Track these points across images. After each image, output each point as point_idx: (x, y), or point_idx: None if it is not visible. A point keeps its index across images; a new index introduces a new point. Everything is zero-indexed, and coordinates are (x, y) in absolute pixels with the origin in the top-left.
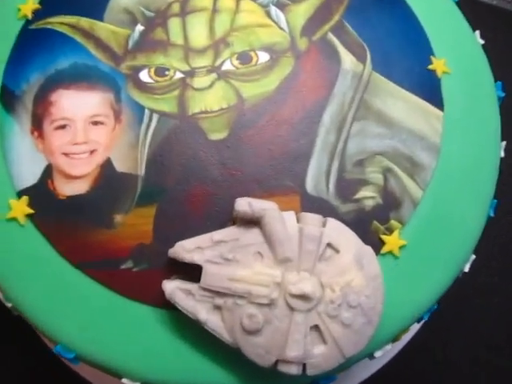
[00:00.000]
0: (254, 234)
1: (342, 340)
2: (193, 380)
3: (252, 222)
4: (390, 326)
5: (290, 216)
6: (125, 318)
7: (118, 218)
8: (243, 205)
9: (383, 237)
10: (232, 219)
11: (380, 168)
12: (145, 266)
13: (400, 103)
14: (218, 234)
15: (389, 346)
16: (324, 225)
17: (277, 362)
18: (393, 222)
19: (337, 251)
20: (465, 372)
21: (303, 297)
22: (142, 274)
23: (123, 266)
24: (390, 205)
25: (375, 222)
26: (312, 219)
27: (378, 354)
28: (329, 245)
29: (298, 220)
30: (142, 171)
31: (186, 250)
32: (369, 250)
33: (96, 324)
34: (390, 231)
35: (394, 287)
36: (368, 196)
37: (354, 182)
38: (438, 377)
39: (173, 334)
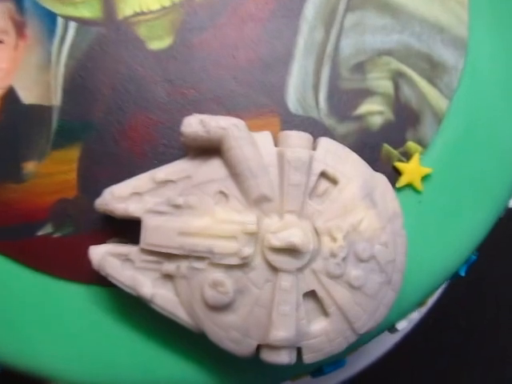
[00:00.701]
0: (212, 167)
1: (352, 309)
2: (143, 381)
3: (209, 149)
4: (417, 285)
5: (263, 137)
6: (45, 301)
7: (29, 166)
8: (193, 124)
9: (398, 165)
10: (185, 150)
11: (388, 72)
12: (69, 231)
13: None
14: (161, 172)
15: (416, 314)
16: (314, 147)
17: (259, 347)
18: (410, 144)
19: (335, 182)
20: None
21: (290, 250)
22: (67, 242)
23: (40, 233)
24: (405, 121)
25: (386, 146)
26: (297, 139)
27: (401, 325)
28: (323, 174)
29: (277, 142)
30: (57, 100)
31: (118, 197)
32: (381, 178)
33: (6, 311)
34: (407, 157)
35: (418, 232)
36: (374, 111)
37: (352, 93)
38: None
39: (113, 320)
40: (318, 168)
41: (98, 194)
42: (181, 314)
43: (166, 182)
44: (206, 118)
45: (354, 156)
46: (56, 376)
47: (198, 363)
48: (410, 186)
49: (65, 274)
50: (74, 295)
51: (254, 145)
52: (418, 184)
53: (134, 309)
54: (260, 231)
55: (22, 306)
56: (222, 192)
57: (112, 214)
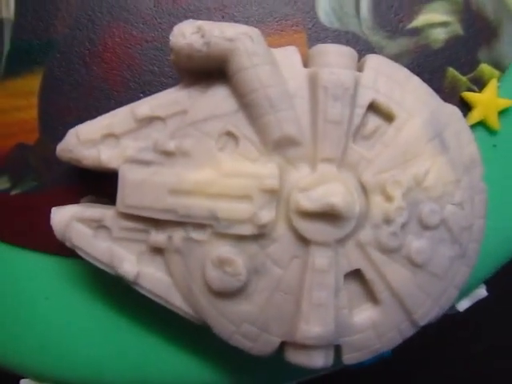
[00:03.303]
0: (215, 98)
1: (411, 295)
2: (133, 379)
3: (211, 72)
4: (490, 253)
5: (288, 53)
6: (6, 277)
7: None
8: (187, 33)
9: (468, 95)
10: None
11: None
12: (31, 186)
13: None
14: (144, 106)
15: (482, 291)
16: (360, 68)
17: (282, 345)
18: (484, 67)
19: (390, 118)
20: None
21: (328, 215)
22: (28, 200)
23: None
24: (478, 35)
25: (452, 70)
26: (336, 55)
27: (463, 304)
28: (373, 106)
29: (307, 61)
30: (9, 12)
31: (86, 140)
32: (454, 111)
33: None
34: (479, 85)
35: (492, 186)
36: (436, 21)
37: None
38: None
39: (91, 302)
40: (366, 97)
41: (61, 137)
42: (175, 300)
43: (151, 120)
44: (205, 24)
45: (416, 80)
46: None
47: (199, 362)
48: (482, 123)
49: (25, 241)
50: (37, 268)
51: (273, 64)
52: (494, 121)
53: (113, 287)
54: (284, 188)
55: None
56: (229, 132)
57: (79, 165)
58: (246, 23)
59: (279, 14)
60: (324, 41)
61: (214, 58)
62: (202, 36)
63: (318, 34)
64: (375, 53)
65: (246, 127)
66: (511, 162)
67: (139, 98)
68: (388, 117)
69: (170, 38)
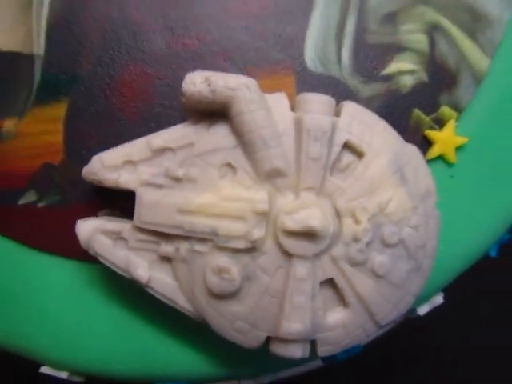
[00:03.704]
0: (218, 134)
1: (374, 300)
2: (140, 370)
3: (214, 112)
4: (444, 266)
5: (278, 99)
6: (29, 276)
7: (8, 124)
8: (197, 82)
9: (430, 133)
10: (186, 112)
11: (423, 24)
12: (55, 200)
13: None
14: (158, 138)
15: (439, 298)
16: (338, 112)
17: (268, 339)
18: (444, 109)
19: (360, 155)
20: None
21: (307, 234)
22: (52, 212)
23: (22, 201)
24: (440, 82)
25: (417, 111)
26: (317, 103)
27: (423, 309)
28: (347, 145)
29: (294, 106)
30: (40, 48)
31: (109, 165)
32: (413, 150)
33: None
34: (440, 124)
35: (447, 209)
36: (405, 69)
37: (381, 49)
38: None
39: (103, 300)
40: (341, 138)
41: (87, 159)
42: (180, 301)
43: (163, 150)
44: (212, 75)
45: (383, 124)
46: (43, 356)
47: (199, 353)
48: (441, 157)
49: (50, 247)
50: (61, 271)
51: (266, 109)
52: (452, 155)
53: (128, 289)
54: (272, 211)
55: (3, 282)
56: (228, 164)
57: (102, 185)
58: (244, 65)
59: (272, 59)
60: (309, 83)
61: (218, 102)
62: (209, 85)
63: (305, 77)
64: (353, 95)
65: (242, 160)
66: (465, 191)
67: (151, 128)
68: (359, 154)
69: (183, 85)
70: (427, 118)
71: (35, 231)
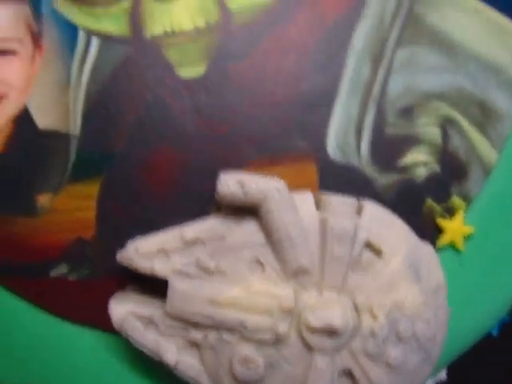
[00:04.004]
0: (248, 230)
1: None
2: None
3: (245, 208)
4: (448, 345)
5: (305, 200)
6: (59, 348)
7: (44, 200)
8: (231, 186)
9: (441, 222)
10: (216, 203)
11: (437, 118)
12: (86, 273)
13: (466, 18)
14: (191, 230)
15: (443, 374)
16: (359, 211)
17: None
18: (455, 200)
19: (379, 254)
20: None
21: (329, 331)
22: (82, 285)
23: (54, 273)
24: (451, 173)
25: (429, 201)
26: (340, 204)
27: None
28: (367, 244)
29: (319, 205)
30: (76, 127)
31: (143, 254)
32: (427, 249)
33: (16, 353)
34: (450, 213)
35: (455, 294)
36: (419, 161)
37: (398, 140)
38: None
39: (129, 371)
40: (362, 237)
41: (118, 235)
42: (204, 382)
43: (195, 241)
44: (245, 179)
45: (399, 223)
46: None
47: None
48: (451, 245)
49: (80, 318)
50: (89, 341)
51: (294, 209)
52: (460, 244)
53: (152, 362)
54: (297, 307)
55: (32, 348)
56: (257, 260)
57: (136, 271)
58: (269, 152)
59: (296, 147)
60: (330, 171)
61: (250, 202)
62: (242, 187)
63: (326, 165)
64: (370, 183)
65: (270, 257)
66: (471, 276)
67: (180, 209)
68: (377, 252)
69: (218, 185)
70: (439, 207)
71: (65, 302)
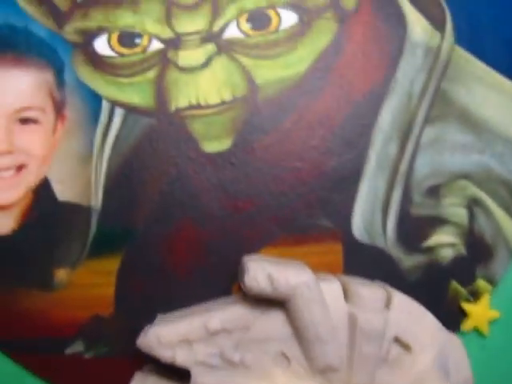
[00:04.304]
0: (274, 322)
1: None
2: None
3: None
4: None
5: (333, 291)
6: None
7: (61, 274)
8: (260, 280)
9: (466, 306)
10: (238, 283)
11: (464, 198)
12: (102, 352)
13: (495, 96)
14: (216, 320)
15: None
16: (387, 303)
17: None
18: (480, 283)
19: (408, 349)
20: None
21: None
22: (99, 363)
23: (69, 350)
24: (477, 255)
25: (454, 283)
26: (369, 297)
27: None
28: (396, 339)
29: (347, 295)
30: (97, 201)
31: (165, 343)
32: (456, 341)
33: None
34: (475, 296)
35: (483, 377)
36: (445, 242)
37: (424, 221)
38: None
39: None
40: (391, 333)
41: (136, 313)
42: None
43: (219, 331)
44: (274, 273)
45: (428, 316)
46: None
47: None
48: (475, 329)
49: None
50: None
51: (323, 306)
52: (485, 328)
53: None
54: None
55: None
56: (283, 354)
57: (157, 359)
58: (294, 232)
59: (322, 226)
60: (356, 252)
61: (278, 297)
62: (271, 283)
63: (351, 245)
64: (395, 265)
65: (297, 351)
66: (497, 361)
67: (201, 287)
68: (406, 347)
69: (245, 278)
70: (464, 290)
71: (81, 381)
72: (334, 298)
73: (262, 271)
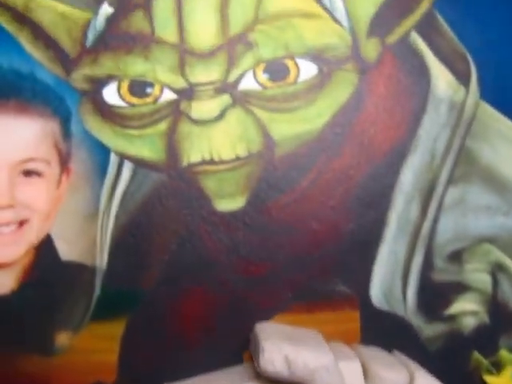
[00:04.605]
0: None
1: None
2: None
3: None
4: None
5: (353, 371)
6: None
7: (63, 338)
8: (276, 364)
9: (489, 379)
10: (249, 351)
11: (487, 264)
12: None
13: None
14: None
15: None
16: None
17: None
18: (503, 353)
19: None
20: None
21: None
22: None
23: None
24: (500, 324)
25: (476, 354)
26: (392, 382)
27: None
28: None
29: (367, 376)
30: (102, 261)
31: None
32: None
33: None
34: (498, 368)
35: None
36: (467, 310)
37: (446, 287)
38: None
39: None
40: None
41: (141, 381)
42: None
43: None
44: (291, 354)
45: None
46: None
47: None
48: None
49: None
50: None
51: None
52: None
53: None
54: None
55: None
56: None
57: None
58: (309, 301)
59: (339, 293)
60: (374, 320)
61: (296, 381)
62: (289, 367)
63: (369, 313)
64: (415, 334)
65: None
66: None
67: (207, 356)
68: None
69: (260, 359)
70: (486, 362)
71: None
72: (354, 379)
73: (279, 353)
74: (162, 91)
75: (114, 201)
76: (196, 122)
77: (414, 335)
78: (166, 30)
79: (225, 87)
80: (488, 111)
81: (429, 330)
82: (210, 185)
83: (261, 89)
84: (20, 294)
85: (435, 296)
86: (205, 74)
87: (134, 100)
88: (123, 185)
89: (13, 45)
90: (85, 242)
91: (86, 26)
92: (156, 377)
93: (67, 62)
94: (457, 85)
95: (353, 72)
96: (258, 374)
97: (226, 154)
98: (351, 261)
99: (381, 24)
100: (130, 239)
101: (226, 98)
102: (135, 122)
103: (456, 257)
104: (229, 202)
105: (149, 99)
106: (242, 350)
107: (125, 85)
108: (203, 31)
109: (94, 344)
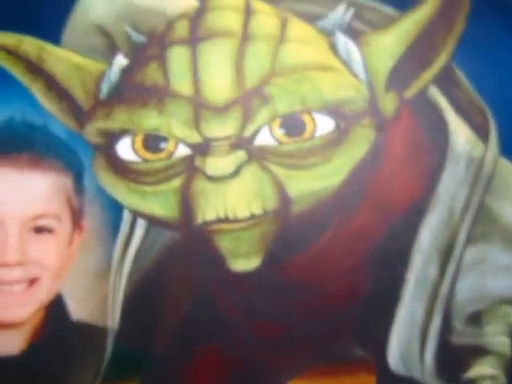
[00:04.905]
0: None
1: None
2: None
3: None
4: None
5: None
6: None
7: None
8: None
9: None
10: None
11: (507, 326)
12: None
13: None
14: None
15: None
16: None
17: None
18: None
19: None
20: None
21: None
22: None
23: None
24: None
25: None
26: None
27: None
28: None
29: None
30: (114, 321)
31: None
32: None
33: None
34: None
35: None
36: (486, 375)
37: (465, 350)
38: None
39: None
40: None
41: None
42: None
43: None
44: None
45: None
46: None
47: None
48: None
49: None
50: None
51: None
52: None
53: None
54: None
55: None
56: None
57: None
58: (324, 362)
59: (355, 355)
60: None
61: None
62: None
63: (386, 378)
64: None
65: None
66: None
67: None
68: None
69: None
70: None
71: None
72: None
73: None
74: (176, 146)
75: (127, 259)
76: (211, 178)
77: None
78: (180, 82)
79: (240, 142)
80: (507, 167)
81: None
82: (224, 244)
83: (277, 144)
84: (29, 355)
85: (454, 360)
86: (220, 128)
87: (148, 155)
88: (136, 243)
89: (25, 98)
90: (96, 302)
91: (100, 77)
92: None
93: (81, 115)
94: (475, 140)
95: (370, 128)
96: None
97: (241, 212)
98: (368, 323)
99: (399, 77)
100: (143, 299)
101: (241, 154)
102: (149, 177)
103: (475, 319)
104: (244, 262)
105: (163, 154)
106: None
107: (139, 139)
108: (218, 84)
109: None
